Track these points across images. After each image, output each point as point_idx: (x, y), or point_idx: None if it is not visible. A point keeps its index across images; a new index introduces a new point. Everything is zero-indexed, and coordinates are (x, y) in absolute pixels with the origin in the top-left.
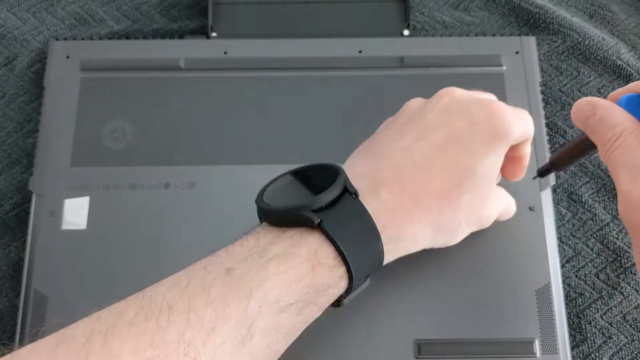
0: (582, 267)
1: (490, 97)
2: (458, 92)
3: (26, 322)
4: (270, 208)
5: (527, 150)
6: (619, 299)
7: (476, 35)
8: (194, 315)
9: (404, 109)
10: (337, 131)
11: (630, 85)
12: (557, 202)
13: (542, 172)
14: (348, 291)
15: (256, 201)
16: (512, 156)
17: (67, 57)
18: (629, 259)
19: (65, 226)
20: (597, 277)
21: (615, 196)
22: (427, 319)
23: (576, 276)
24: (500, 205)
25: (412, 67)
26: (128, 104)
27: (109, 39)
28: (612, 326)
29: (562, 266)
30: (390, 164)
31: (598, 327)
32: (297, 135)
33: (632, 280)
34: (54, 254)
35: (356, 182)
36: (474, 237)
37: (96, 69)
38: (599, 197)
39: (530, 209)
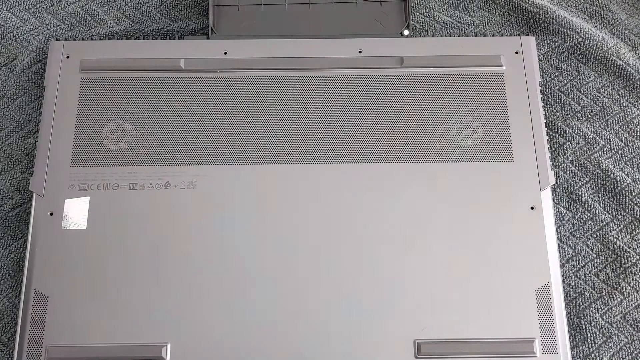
0: (582, 267)
1: None
2: None
3: (26, 322)
4: None
5: None
6: (619, 299)
7: (476, 35)
8: None
9: None
10: (337, 131)
11: None
12: (557, 202)
13: None
14: None
15: None
16: None
17: (67, 57)
18: (629, 259)
19: (65, 226)
20: (597, 277)
21: (614, 196)
22: (427, 319)
23: (576, 276)
24: None
25: (412, 67)
26: (128, 104)
27: (109, 39)
28: (612, 326)
29: (562, 266)
30: None
31: (598, 327)
32: (297, 135)
33: (632, 280)
34: (54, 254)
35: None
36: (474, 236)
37: (96, 69)
38: (598, 197)
39: (531, 208)
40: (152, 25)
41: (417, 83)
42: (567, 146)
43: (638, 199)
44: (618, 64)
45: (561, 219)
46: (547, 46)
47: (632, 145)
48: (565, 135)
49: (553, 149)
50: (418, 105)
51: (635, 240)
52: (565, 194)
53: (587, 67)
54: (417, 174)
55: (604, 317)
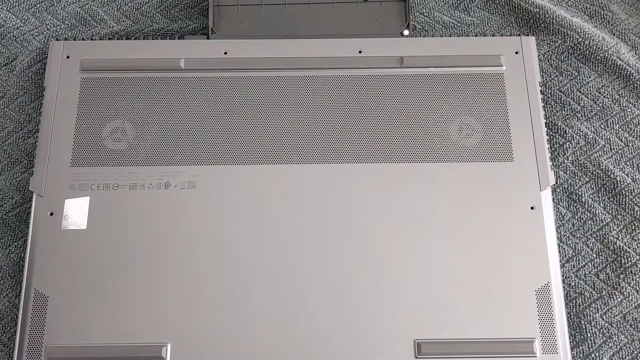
0: (582, 267)
1: None
2: None
3: (26, 322)
4: None
5: None
6: (619, 299)
7: (476, 35)
8: None
9: None
10: (337, 131)
11: None
12: (557, 202)
13: None
14: None
15: None
16: None
17: (67, 57)
18: (629, 258)
19: (65, 226)
20: (597, 277)
21: (614, 196)
22: (427, 319)
23: (576, 276)
24: None
25: (412, 67)
26: (128, 104)
27: (109, 39)
28: (612, 326)
29: (562, 266)
30: None
31: (598, 327)
32: (297, 135)
33: (632, 280)
34: (54, 254)
35: None
36: (474, 236)
37: (96, 69)
38: (598, 197)
39: (531, 208)
40: (152, 25)
41: (417, 83)
42: (567, 146)
43: (638, 199)
44: (618, 64)
45: (561, 219)
46: (547, 46)
47: (632, 145)
48: (565, 135)
49: (553, 149)
50: (418, 105)
51: (635, 240)
52: (565, 194)
53: (587, 67)
54: (417, 174)
55: (604, 317)
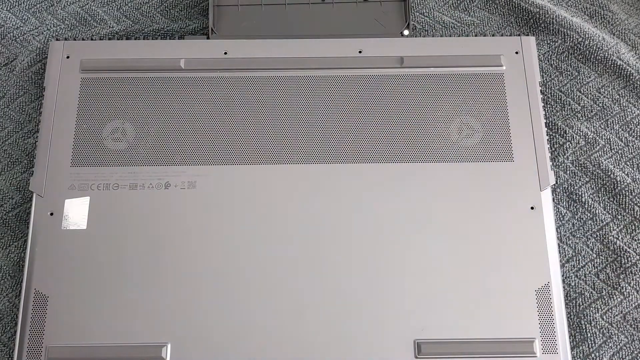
0: (582, 267)
1: None
2: None
3: (26, 322)
4: None
5: None
6: (619, 299)
7: (476, 35)
8: None
9: None
10: (337, 131)
11: None
12: (557, 202)
13: None
14: None
15: None
16: None
17: (67, 57)
18: (629, 259)
19: (65, 226)
20: (597, 277)
21: (614, 196)
22: (427, 319)
23: (576, 276)
24: None
25: (412, 67)
26: (128, 104)
27: (109, 39)
28: (612, 326)
29: (562, 266)
30: None
31: (598, 327)
32: (297, 135)
33: (632, 280)
34: (54, 254)
35: None
36: (474, 236)
37: (96, 69)
38: (598, 197)
39: (531, 208)
40: (152, 25)
41: (417, 83)
42: (567, 146)
43: (638, 199)
44: (618, 64)
45: (561, 219)
46: (547, 46)
47: (632, 145)
48: (565, 135)
49: (553, 149)
50: (418, 105)
51: (635, 240)
52: (565, 194)
53: (587, 67)
54: (417, 174)
55: (604, 317)
